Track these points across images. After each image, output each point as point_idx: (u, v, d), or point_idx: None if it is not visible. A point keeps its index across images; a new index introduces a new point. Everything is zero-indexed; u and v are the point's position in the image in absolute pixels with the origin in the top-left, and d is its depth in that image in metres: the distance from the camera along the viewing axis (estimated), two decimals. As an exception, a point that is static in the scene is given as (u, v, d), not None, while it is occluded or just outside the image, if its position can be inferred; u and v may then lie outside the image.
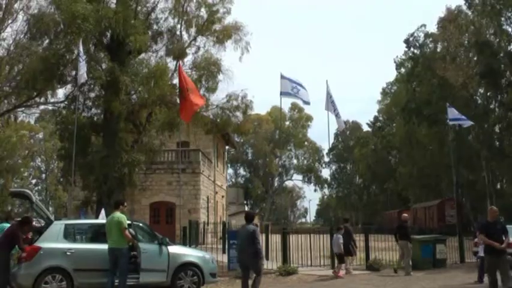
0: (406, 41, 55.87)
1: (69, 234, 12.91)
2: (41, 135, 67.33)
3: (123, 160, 22.05)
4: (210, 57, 24.48)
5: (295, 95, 22.55)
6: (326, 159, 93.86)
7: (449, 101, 31.02)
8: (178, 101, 20.17)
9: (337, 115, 22.90)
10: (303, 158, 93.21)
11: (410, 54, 56.68)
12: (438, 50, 50.74)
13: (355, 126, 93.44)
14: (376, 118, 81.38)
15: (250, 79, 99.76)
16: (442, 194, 55.19)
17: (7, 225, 14.03)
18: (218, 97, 25.37)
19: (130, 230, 12.73)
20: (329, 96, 22.87)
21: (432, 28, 53.04)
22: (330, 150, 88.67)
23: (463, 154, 44.94)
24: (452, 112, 25.19)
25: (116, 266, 12.08)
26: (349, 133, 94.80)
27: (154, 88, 21.53)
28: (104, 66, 22.06)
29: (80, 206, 24.16)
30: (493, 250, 10.78)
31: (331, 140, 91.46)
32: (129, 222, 13.05)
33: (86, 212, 23.93)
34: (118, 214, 12.42)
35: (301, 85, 22.73)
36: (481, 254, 15.18)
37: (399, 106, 59.83)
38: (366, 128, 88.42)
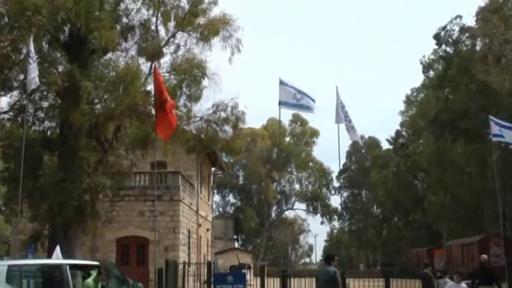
0: (437, 37, 56.27)
1: (14, 277, 12.87)
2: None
3: (84, 185, 22.06)
4: (192, 57, 24.60)
5: (297, 104, 22.76)
6: (336, 183, 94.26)
7: (492, 112, 31.13)
8: (153, 112, 20.25)
9: (352, 127, 23.14)
10: (307, 183, 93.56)
11: (442, 53, 57.01)
12: (477, 47, 50.97)
13: (372, 142, 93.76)
14: (398, 133, 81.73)
15: (242, 85, 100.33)
16: (484, 228, 55.22)
17: None
18: (202, 107, 25.46)
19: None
20: (340, 105, 23.12)
21: (469, 20, 53.50)
22: (341, 172, 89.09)
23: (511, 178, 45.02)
24: (497, 126, 25.26)
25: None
26: (364, 151, 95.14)
27: (123, 96, 21.60)
28: (60, 68, 22.14)
29: (27, 241, 24.09)
30: None
31: (342, 160, 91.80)
32: (97, 263, 13.08)
33: (36, 249, 23.88)
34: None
35: (305, 94, 23.00)
36: None
37: (428, 118, 60.09)
38: (385, 145, 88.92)
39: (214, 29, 25.04)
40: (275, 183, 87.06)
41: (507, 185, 44.40)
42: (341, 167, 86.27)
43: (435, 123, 55.00)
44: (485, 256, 19.89)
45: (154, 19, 25.29)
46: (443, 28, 55.50)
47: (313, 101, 23.98)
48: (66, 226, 22.03)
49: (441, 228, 68.32)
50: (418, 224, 76.62)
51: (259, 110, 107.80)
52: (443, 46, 56.34)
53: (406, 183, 76.81)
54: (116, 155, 24.62)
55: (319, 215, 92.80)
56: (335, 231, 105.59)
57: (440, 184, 61.43)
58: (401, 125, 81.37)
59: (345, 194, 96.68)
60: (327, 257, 14.46)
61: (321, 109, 24.04)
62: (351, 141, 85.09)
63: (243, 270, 30.87)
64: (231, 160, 79.21)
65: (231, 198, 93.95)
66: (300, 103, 23.23)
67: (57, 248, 18.35)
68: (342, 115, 23.16)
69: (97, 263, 13.35)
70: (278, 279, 19.10)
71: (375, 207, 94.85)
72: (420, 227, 77.18)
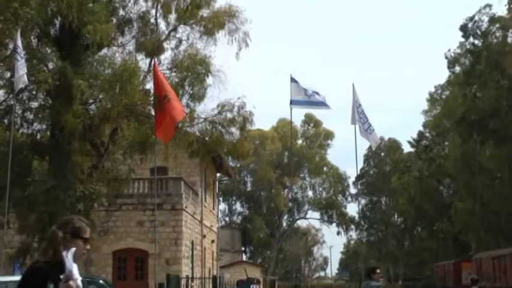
0: (463, 28, 56.05)
1: (0, 295, 12.84)
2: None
3: (77, 193, 22.06)
4: (195, 53, 24.63)
5: (309, 101, 22.72)
6: (353, 190, 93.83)
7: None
8: (153, 112, 20.17)
9: (368, 129, 23.01)
10: (321, 189, 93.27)
11: (469, 46, 56.78)
12: (509, 39, 50.75)
13: (392, 145, 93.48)
14: (421, 134, 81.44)
15: (250, 84, 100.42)
16: (517, 239, 54.96)
17: None
18: (207, 107, 25.52)
19: None
20: (356, 105, 23.03)
21: (500, 10, 53.14)
22: (358, 178, 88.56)
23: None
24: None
25: None
26: (384, 155, 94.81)
27: (120, 95, 21.61)
28: (51, 65, 22.14)
29: (14, 255, 24.07)
30: None
31: (360, 164, 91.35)
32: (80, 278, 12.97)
33: (24, 264, 23.85)
34: None
35: (317, 93, 22.98)
36: None
37: (453, 118, 59.83)
38: (407, 148, 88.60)
39: (219, 21, 25.04)
40: (286, 190, 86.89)
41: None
42: (358, 172, 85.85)
43: (462, 124, 54.73)
44: None
45: (153, 11, 25.33)
46: (471, 19, 55.25)
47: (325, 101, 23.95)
48: (58, 238, 21.94)
49: (469, 238, 67.96)
50: (444, 234, 76.40)
51: (268, 110, 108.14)
52: (471, 38, 56.10)
53: (430, 190, 76.49)
54: (112, 160, 24.61)
55: (334, 224, 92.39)
56: (352, 242, 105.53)
57: (468, 190, 61.14)
58: (425, 125, 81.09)
59: (363, 202, 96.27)
60: (368, 271, 15.03)
61: (336, 109, 24.08)
62: (369, 144, 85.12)
63: (251, 285, 30.82)
64: (238, 165, 79.14)
65: (238, 206, 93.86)
66: (313, 100, 23.17)
67: (48, 263, 18.25)
68: (359, 116, 23.08)
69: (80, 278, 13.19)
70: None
71: (395, 215, 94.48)
72: (446, 238, 76.93)
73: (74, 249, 4.54)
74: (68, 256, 4.47)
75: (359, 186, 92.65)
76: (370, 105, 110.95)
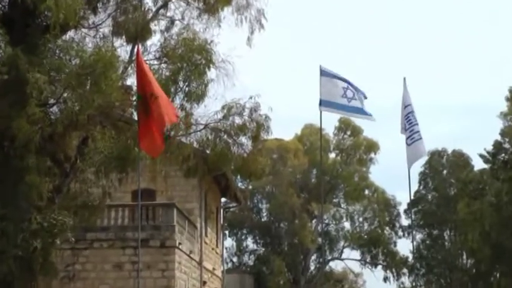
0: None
1: None
2: None
3: (33, 225, 22.11)
4: (192, 37, 24.66)
5: (346, 105, 22.74)
6: (405, 221, 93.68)
7: None
8: (136, 117, 20.21)
9: (410, 136, 23.03)
10: (361, 219, 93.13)
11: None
12: None
13: (458, 160, 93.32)
14: (498, 145, 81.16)
15: (266, 78, 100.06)
16: None
17: None
18: (208, 110, 25.53)
19: None
20: (402, 105, 23.09)
21: None
22: (412, 204, 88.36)
23: None
24: None
25: None
26: (447, 173, 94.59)
27: (92, 94, 21.67)
28: (-2, 53, 22.29)
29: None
30: None
31: (414, 186, 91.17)
32: None
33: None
34: None
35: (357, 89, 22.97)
36: None
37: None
38: (478, 164, 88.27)
39: (224, -4, 25.14)
40: (314, 221, 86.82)
41: None
42: (412, 197, 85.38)
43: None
44: None
45: (137, -18, 25.44)
46: None
47: (365, 97, 23.95)
48: (6, 286, 22.03)
49: None
50: (531, 281, 76.18)
51: (290, 114, 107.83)
52: None
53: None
54: (81, 181, 24.68)
55: (380, 267, 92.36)
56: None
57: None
58: (503, 133, 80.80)
59: (419, 237, 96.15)
60: None
61: (381, 113, 23.93)
62: (426, 158, 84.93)
63: None
64: (250, 187, 79.14)
65: (249, 242, 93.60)
66: (352, 101, 23.20)
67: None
68: (407, 119, 23.14)
69: None
70: None
71: (464, 255, 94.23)
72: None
73: None
74: None
75: (413, 216, 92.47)
76: (427, 106, 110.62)
